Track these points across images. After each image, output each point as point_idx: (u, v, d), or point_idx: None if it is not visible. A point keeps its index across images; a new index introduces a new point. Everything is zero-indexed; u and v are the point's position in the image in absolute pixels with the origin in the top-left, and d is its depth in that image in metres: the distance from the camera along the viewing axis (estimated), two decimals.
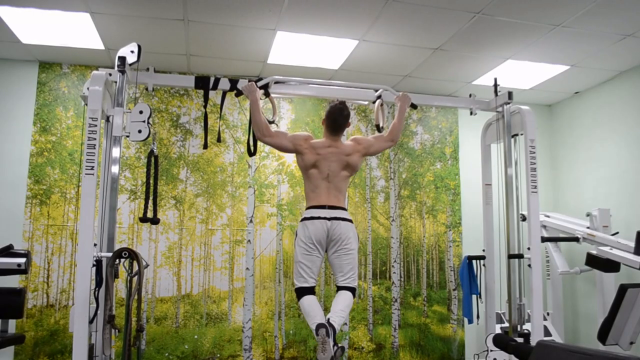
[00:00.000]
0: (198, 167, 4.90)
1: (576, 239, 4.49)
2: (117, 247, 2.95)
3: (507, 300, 3.67)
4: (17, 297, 3.88)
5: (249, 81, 3.27)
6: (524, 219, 3.81)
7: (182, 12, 3.76)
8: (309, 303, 2.91)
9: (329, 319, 2.76)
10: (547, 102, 5.85)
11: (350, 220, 3.06)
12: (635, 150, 4.74)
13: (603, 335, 3.86)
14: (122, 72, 3.10)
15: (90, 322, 2.72)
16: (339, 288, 3.02)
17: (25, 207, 4.48)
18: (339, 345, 2.72)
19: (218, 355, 4.67)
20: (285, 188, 5.08)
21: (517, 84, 5.17)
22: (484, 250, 4.10)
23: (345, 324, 5.02)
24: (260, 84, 3.35)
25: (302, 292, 2.97)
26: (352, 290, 3.00)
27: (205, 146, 3.51)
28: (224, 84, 3.42)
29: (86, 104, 2.89)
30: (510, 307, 3.63)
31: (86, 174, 2.78)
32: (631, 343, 3.88)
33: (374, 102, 3.72)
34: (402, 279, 5.26)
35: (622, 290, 3.72)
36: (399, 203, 5.37)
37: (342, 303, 2.92)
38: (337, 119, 3.13)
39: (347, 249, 2.99)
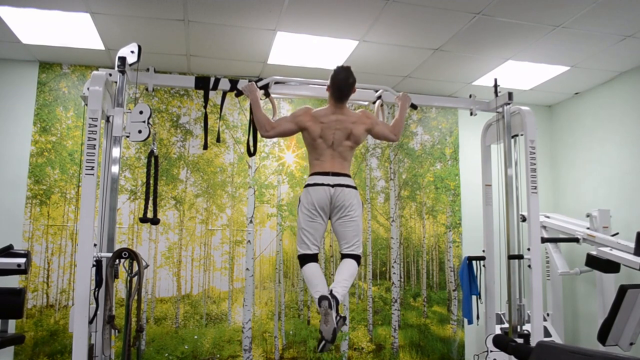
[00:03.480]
0: (198, 168, 4.90)
1: (576, 240, 4.49)
2: (117, 247, 2.95)
3: (507, 300, 3.66)
4: (17, 297, 3.89)
5: (249, 81, 3.27)
6: (524, 219, 3.80)
7: (182, 12, 3.76)
8: (312, 272, 2.89)
9: (331, 291, 2.75)
10: (547, 102, 5.85)
11: (355, 187, 3.01)
12: (636, 151, 4.74)
13: (603, 336, 3.86)
14: (122, 72, 3.10)
15: (90, 322, 2.72)
16: (343, 256, 2.99)
17: (25, 207, 4.48)
18: (341, 315, 2.72)
19: (218, 355, 4.67)
20: (285, 188, 5.08)
21: (518, 84, 5.17)
22: (484, 251, 4.10)
23: (345, 324, 5.02)
24: (260, 84, 3.35)
25: (304, 259, 2.95)
26: (356, 258, 2.97)
27: (205, 146, 3.51)
28: (224, 85, 3.42)
29: (86, 104, 2.89)
30: (510, 307, 3.63)
31: (86, 174, 2.77)
32: (631, 344, 3.88)
33: (374, 103, 3.72)
34: (402, 280, 5.26)
35: (622, 291, 3.72)
36: (399, 204, 5.37)
37: (346, 272, 2.90)
38: (342, 86, 3.04)
39: (351, 216, 2.95)
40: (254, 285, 4.89)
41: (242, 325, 4.79)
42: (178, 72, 4.88)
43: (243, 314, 4.81)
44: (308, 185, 2.99)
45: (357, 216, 2.98)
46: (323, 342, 2.65)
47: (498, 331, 4.02)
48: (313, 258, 2.95)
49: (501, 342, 3.35)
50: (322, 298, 2.66)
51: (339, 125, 3.01)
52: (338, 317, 2.67)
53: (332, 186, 2.94)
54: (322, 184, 2.94)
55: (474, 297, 4.31)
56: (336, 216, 2.97)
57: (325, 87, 3.15)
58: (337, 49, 4.34)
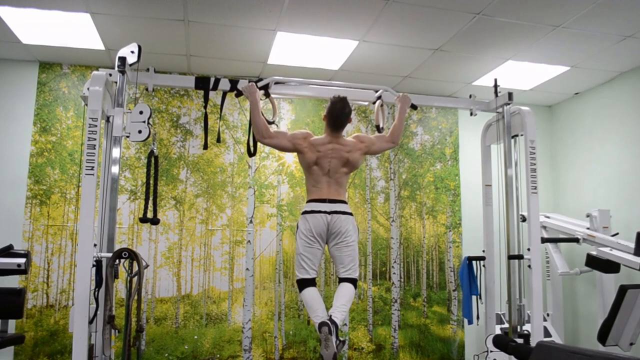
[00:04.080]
0: (198, 168, 4.90)
1: (576, 240, 4.49)
2: (117, 247, 2.95)
3: (507, 301, 3.67)
4: (17, 297, 3.88)
5: (249, 82, 3.27)
6: (524, 219, 3.81)
7: (182, 12, 3.76)
8: (311, 296, 2.99)
9: (330, 316, 2.83)
10: (547, 102, 5.85)
11: (351, 214, 3.10)
12: (636, 151, 4.74)
13: (603, 336, 3.86)
14: (123, 72, 3.10)
15: (90, 322, 2.72)
16: (341, 280, 3.08)
17: (25, 207, 4.48)
18: (341, 339, 2.80)
19: (218, 355, 4.67)
20: (285, 189, 5.08)
21: (518, 84, 5.17)
22: (484, 251, 4.10)
23: (345, 324, 5.02)
24: (260, 84, 3.35)
25: (303, 283, 3.04)
26: (353, 281, 3.06)
27: (205, 146, 3.51)
28: (224, 85, 3.43)
29: (86, 105, 2.89)
30: (510, 307, 3.63)
31: (86, 174, 2.78)
32: (631, 344, 3.88)
33: (374, 103, 3.72)
34: (402, 280, 5.26)
35: (622, 291, 3.72)
36: (399, 204, 5.37)
37: (344, 297, 2.99)
38: (338, 116, 3.14)
39: (347, 241, 3.05)
40: (254, 285, 4.88)
41: (242, 325, 4.79)
42: (178, 72, 4.88)
43: (243, 314, 4.81)
44: (305, 212, 3.07)
45: (353, 241, 3.09)
46: None
47: (498, 331, 4.02)
48: (311, 282, 3.04)
49: (501, 342, 3.35)
50: (322, 324, 2.75)
51: (335, 154, 3.11)
52: (338, 342, 2.76)
53: (329, 213, 3.03)
54: (320, 211, 3.03)
55: (474, 297, 4.31)
56: (333, 242, 3.07)
57: (323, 115, 3.22)
58: (337, 49, 4.34)
